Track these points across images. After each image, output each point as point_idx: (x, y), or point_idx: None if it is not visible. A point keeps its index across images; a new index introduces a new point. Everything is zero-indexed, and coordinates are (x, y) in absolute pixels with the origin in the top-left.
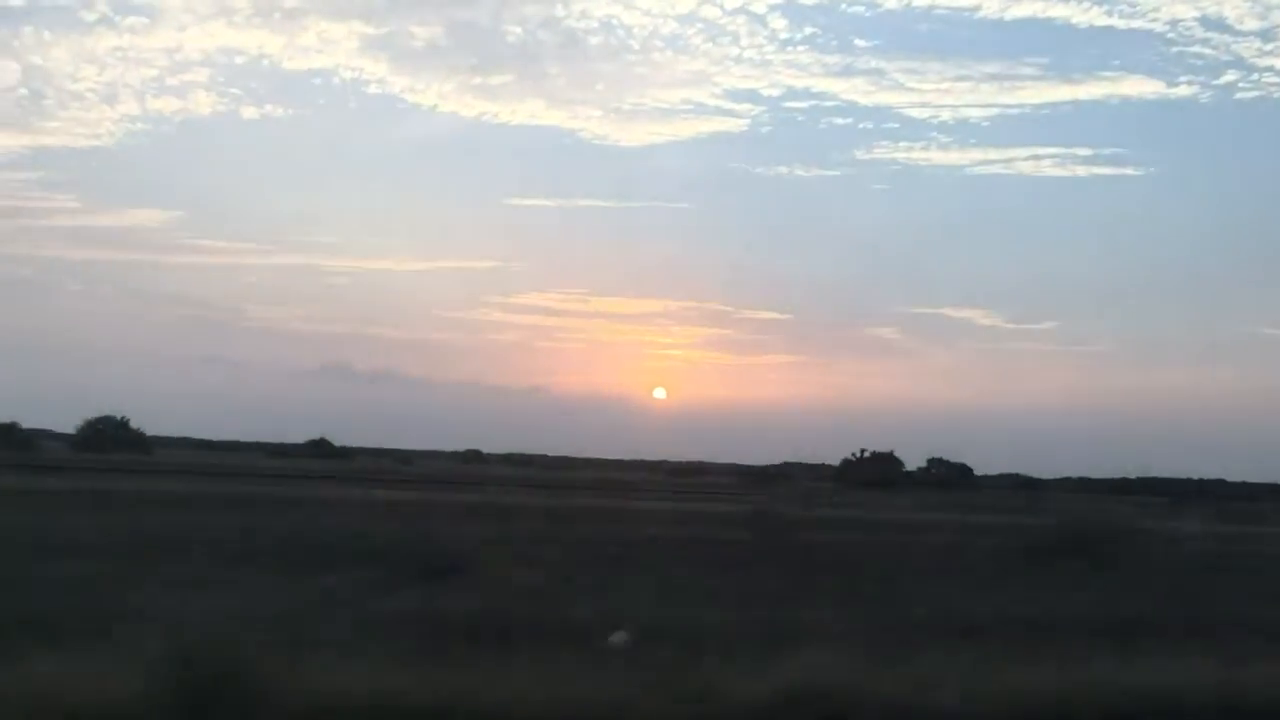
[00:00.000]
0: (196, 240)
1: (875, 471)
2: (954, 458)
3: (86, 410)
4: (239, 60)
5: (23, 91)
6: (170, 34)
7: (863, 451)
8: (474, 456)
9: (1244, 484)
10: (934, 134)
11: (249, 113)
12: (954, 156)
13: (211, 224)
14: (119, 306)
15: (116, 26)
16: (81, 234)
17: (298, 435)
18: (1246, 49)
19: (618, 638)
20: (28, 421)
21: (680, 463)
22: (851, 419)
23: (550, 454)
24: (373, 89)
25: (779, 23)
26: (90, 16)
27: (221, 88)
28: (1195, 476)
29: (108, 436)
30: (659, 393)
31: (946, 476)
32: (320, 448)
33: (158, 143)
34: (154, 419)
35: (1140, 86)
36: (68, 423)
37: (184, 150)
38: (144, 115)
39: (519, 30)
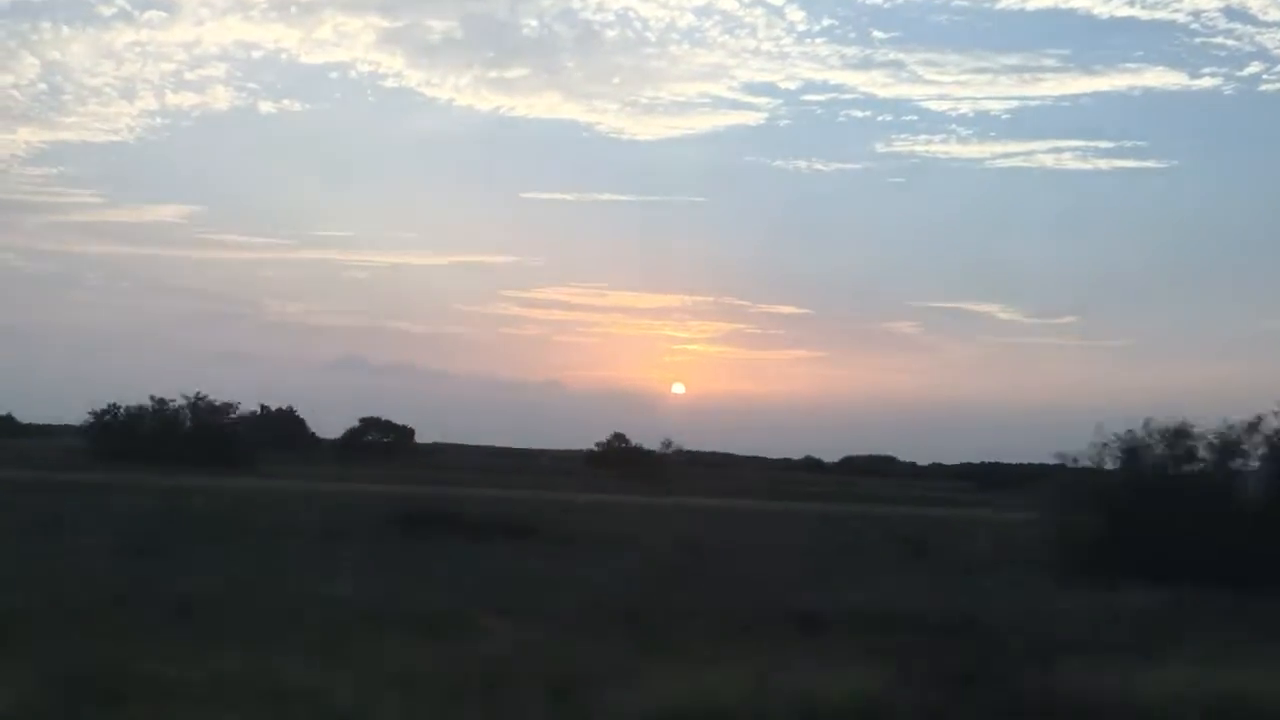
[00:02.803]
0: (215, 235)
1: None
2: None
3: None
4: (256, 54)
5: (42, 87)
6: (188, 28)
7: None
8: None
9: None
10: (953, 126)
11: (266, 107)
12: (974, 149)
13: (230, 219)
14: (138, 301)
15: (134, 21)
16: (101, 229)
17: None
18: (1271, 40)
19: None
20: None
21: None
22: (870, 413)
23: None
24: (389, 83)
25: (796, 15)
26: (108, 11)
27: (239, 82)
28: None
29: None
30: (677, 388)
31: (380, 444)
32: None
33: (176, 137)
34: None
35: (1163, 78)
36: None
37: (202, 145)
38: (162, 110)
39: (535, 23)
